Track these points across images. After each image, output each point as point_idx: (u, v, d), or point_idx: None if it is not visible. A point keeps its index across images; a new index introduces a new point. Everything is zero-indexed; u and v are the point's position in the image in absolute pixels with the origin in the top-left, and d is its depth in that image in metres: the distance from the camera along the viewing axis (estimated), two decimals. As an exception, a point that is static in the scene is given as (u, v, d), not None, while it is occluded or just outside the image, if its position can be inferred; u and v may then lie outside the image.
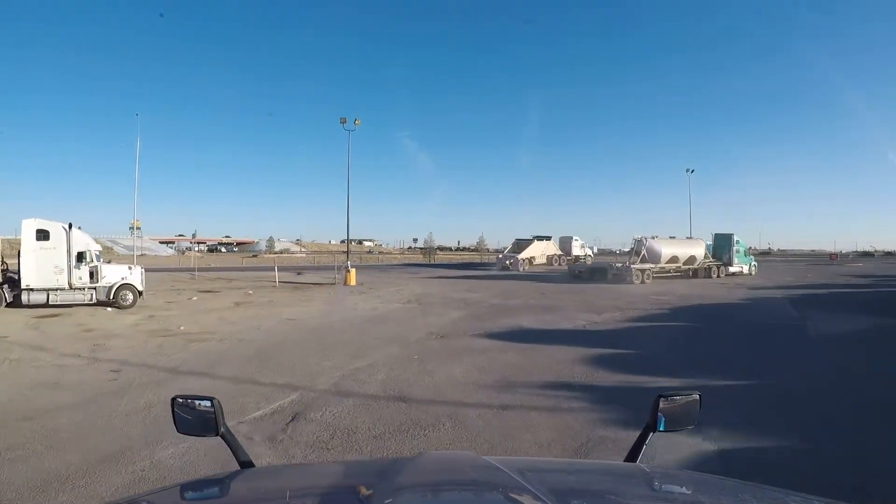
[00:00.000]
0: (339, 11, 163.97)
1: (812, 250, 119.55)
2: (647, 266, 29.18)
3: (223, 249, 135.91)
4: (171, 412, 1.74)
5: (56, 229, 16.43)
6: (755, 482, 1.50)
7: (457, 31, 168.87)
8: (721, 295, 23.25)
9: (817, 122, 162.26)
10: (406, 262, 68.60)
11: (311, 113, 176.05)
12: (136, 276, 17.27)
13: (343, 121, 28.52)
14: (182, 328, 12.66)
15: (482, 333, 12.13)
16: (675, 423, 1.77)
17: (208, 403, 1.69)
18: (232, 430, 1.73)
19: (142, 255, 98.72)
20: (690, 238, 33.43)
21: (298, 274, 33.45)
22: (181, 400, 1.73)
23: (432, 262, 67.13)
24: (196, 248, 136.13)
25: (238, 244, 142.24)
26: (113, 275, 16.96)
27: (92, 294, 16.57)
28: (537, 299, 20.19)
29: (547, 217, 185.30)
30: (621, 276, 28.62)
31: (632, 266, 28.48)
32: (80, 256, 16.57)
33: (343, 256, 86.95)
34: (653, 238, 30.24)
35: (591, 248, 56.31)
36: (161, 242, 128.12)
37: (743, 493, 1.44)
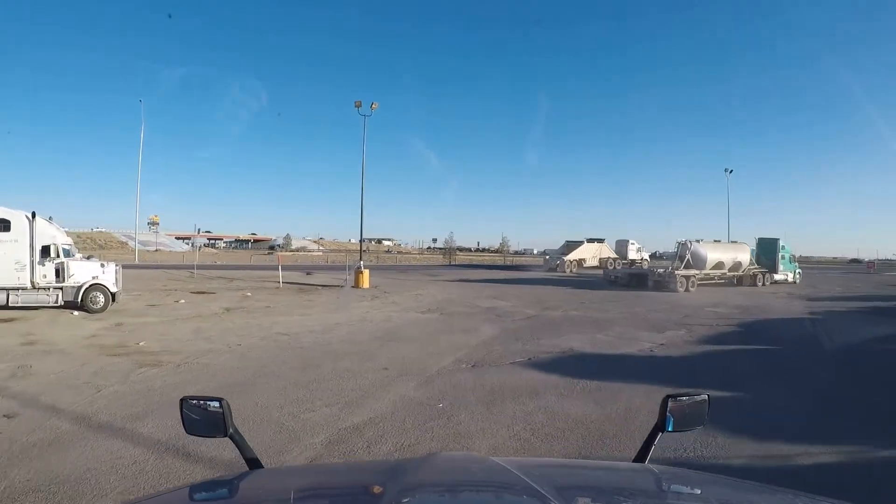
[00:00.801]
0: (352, 13, 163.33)
1: (834, 257, 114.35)
2: (691, 272, 25.91)
3: (221, 245, 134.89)
4: (179, 413, 1.72)
5: (18, 219, 13.86)
6: (765, 483, 1.47)
7: (471, 31, 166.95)
8: (783, 308, 19.96)
9: (830, 131, 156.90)
10: (425, 263, 65.00)
11: (329, 113, 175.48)
12: (108, 276, 14.59)
13: (358, 104, 25.36)
14: (142, 344, 9.89)
15: (526, 361, 9.14)
16: (684, 424, 1.74)
17: (217, 404, 1.66)
18: None
19: (156, 250, 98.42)
20: (735, 242, 30.00)
21: (308, 274, 30.78)
22: (190, 401, 1.70)
23: (452, 262, 63.79)
24: (213, 245, 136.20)
25: (256, 241, 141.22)
26: (82, 273, 14.29)
27: (57, 295, 13.96)
28: (579, 310, 17.15)
29: (570, 219, 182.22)
30: (664, 283, 25.40)
31: (676, 272, 25.26)
32: (45, 251, 13.98)
33: (372, 255, 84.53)
34: (697, 242, 26.98)
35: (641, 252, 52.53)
36: (178, 238, 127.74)
37: (751, 494, 1.43)
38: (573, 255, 45.78)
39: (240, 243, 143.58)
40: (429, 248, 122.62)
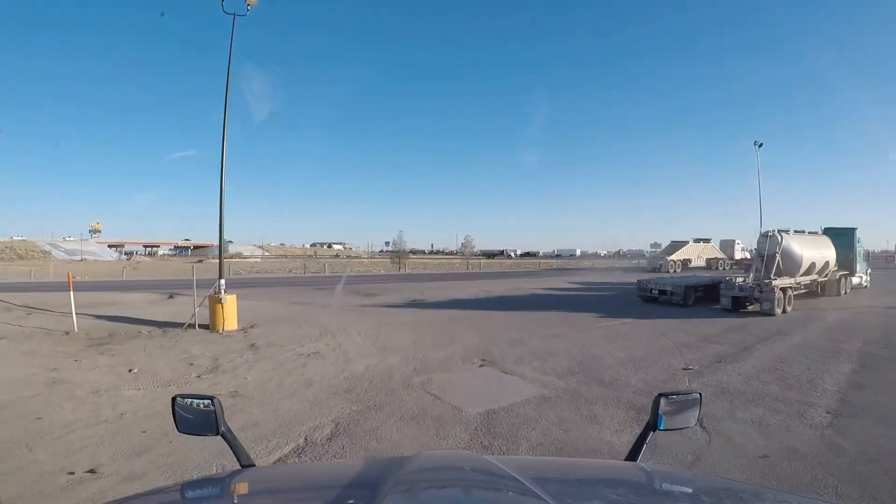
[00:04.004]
0: (339, 10, 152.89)
1: None
2: (787, 282, 15.50)
3: (164, 252, 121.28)
4: (171, 411, 1.65)
5: None
6: (758, 484, 1.49)
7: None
8: None
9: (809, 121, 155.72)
10: (369, 271, 48.21)
11: (310, 113, 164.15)
12: None
13: (224, -6, 13.03)
14: None
15: None
16: (676, 422, 1.67)
17: (209, 402, 1.62)
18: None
19: (81, 259, 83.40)
20: (816, 233, 19.78)
21: (170, 297, 18.68)
22: (182, 399, 1.65)
23: (403, 269, 50.26)
24: (150, 252, 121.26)
25: (196, 248, 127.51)
26: None
27: None
28: (727, 410, 6.14)
29: (537, 222, 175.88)
30: (749, 299, 14.92)
31: (773, 283, 14.74)
32: None
33: (312, 262, 69.80)
34: (785, 232, 16.51)
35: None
36: (109, 246, 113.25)
37: (744, 493, 1.38)
38: (678, 255, 43.25)
39: (179, 250, 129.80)
40: (381, 251, 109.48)
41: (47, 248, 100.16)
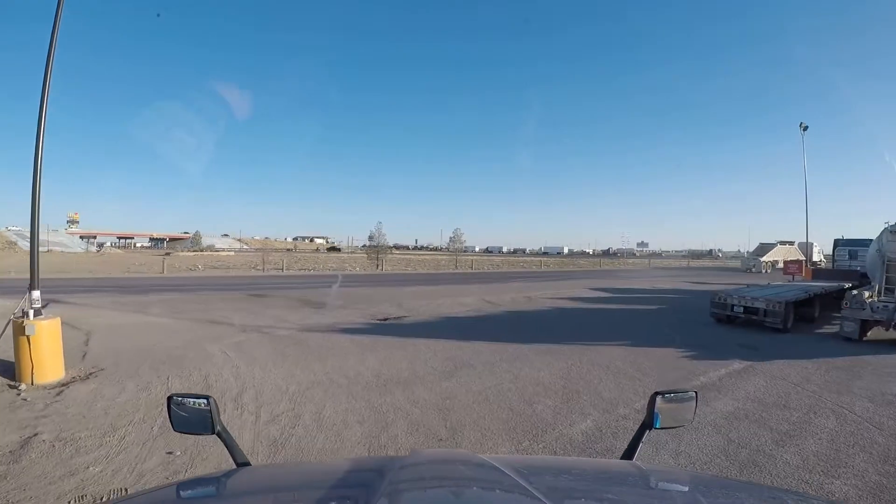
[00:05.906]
0: (330, 5, 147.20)
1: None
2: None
3: (142, 243, 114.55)
4: (167, 410, 1.54)
5: None
6: (752, 481, 1.44)
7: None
8: None
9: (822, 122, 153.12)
10: (338, 269, 39.90)
11: (300, 108, 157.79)
12: None
13: None
14: None
15: None
16: (672, 421, 1.59)
17: (204, 401, 1.53)
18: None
19: (48, 251, 76.78)
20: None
21: (44, 306, 13.08)
22: (178, 398, 1.55)
23: (381, 266, 42.69)
24: (125, 244, 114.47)
25: (172, 239, 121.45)
26: None
27: None
28: None
29: (525, 220, 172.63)
30: (882, 323, 9.95)
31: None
32: None
33: (277, 256, 62.06)
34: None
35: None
36: (81, 237, 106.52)
37: (739, 492, 1.34)
38: (767, 257, 45.40)
39: (155, 242, 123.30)
40: (363, 245, 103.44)
41: (14, 237, 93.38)
